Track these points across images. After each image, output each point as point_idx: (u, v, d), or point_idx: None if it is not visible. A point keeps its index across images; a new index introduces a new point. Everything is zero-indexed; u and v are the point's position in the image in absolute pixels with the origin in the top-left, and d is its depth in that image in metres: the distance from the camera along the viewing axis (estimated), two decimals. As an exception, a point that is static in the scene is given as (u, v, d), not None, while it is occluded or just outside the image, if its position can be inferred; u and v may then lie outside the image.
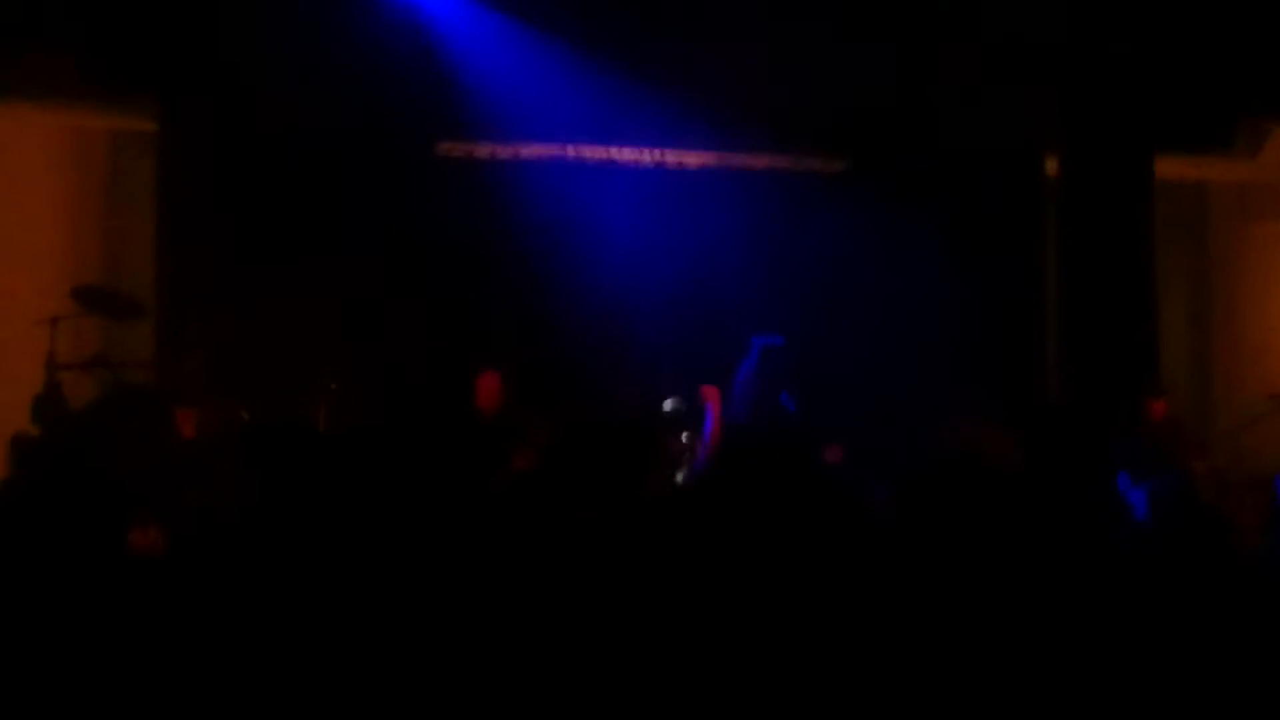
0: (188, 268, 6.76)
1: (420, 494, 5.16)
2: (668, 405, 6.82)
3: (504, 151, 7.35)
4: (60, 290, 6.57)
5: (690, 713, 3.42)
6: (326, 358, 6.45)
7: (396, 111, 7.07)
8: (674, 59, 6.97)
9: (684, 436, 6.69)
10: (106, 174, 7.32)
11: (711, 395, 5.62)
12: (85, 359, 6.42)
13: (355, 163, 7.02)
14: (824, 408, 5.87)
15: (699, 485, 5.28)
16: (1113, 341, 6.95)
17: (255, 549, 4.49)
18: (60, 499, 5.46)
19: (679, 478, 6.53)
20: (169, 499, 5.36)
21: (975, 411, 6.37)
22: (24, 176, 6.76)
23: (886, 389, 6.56)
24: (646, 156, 7.48)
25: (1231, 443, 6.99)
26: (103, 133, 7.38)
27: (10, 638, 3.65)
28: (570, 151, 7.38)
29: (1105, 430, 5.50)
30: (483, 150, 7.35)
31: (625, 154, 7.44)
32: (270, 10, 6.71)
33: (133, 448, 5.95)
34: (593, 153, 7.39)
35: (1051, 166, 7.54)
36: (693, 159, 7.50)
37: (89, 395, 6.34)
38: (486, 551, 4.64)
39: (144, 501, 5.28)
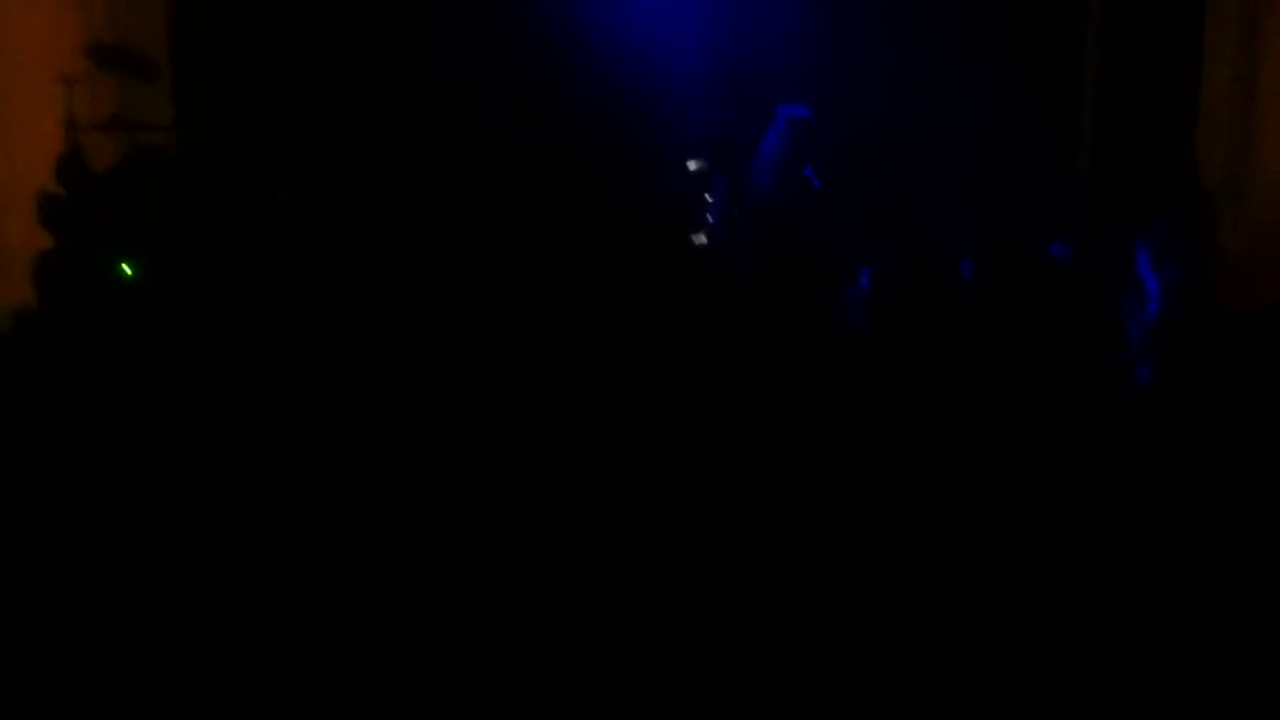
0: (201, 22, 6.56)
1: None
2: (691, 165, 6.77)
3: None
4: (74, 47, 6.43)
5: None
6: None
7: None
8: None
9: (707, 197, 6.68)
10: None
11: None
12: (103, 120, 6.36)
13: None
14: (850, 184, 5.80)
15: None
16: (1151, 106, 6.71)
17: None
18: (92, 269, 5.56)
19: (699, 240, 6.57)
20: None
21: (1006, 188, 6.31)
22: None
23: (917, 164, 6.43)
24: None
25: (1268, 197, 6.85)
26: None
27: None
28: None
29: (1135, 208, 5.45)
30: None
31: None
32: None
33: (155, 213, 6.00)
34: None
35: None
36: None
37: (110, 158, 6.32)
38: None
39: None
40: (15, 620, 3.14)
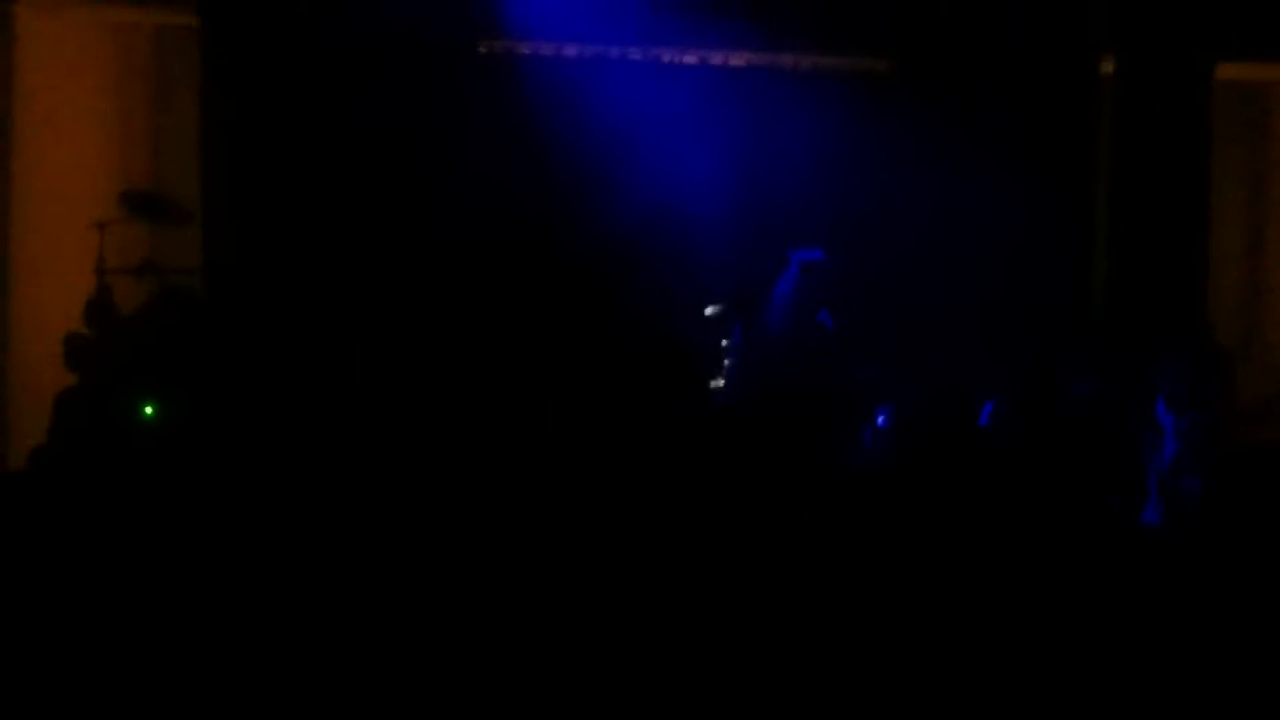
0: (231, 170, 6.76)
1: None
2: (709, 310, 6.86)
3: (546, 50, 7.26)
4: (108, 194, 6.66)
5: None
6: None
7: (438, 7, 6.98)
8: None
9: (724, 343, 6.75)
10: (151, 73, 7.29)
11: None
12: (134, 264, 6.54)
13: (396, 59, 6.95)
14: (863, 325, 5.86)
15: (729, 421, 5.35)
16: (1162, 258, 6.82)
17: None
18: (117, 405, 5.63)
19: (716, 384, 6.61)
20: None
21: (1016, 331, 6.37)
22: (66, 77, 6.76)
23: (929, 306, 6.51)
24: (690, 55, 7.35)
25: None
26: (145, 29, 7.34)
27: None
28: (613, 51, 7.26)
29: (1149, 354, 5.46)
30: (524, 49, 7.26)
31: (669, 53, 7.31)
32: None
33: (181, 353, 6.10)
34: (636, 52, 7.27)
35: (1107, 67, 7.32)
36: (737, 58, 7.36)
37: (138, 300, 6.47)
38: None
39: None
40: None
